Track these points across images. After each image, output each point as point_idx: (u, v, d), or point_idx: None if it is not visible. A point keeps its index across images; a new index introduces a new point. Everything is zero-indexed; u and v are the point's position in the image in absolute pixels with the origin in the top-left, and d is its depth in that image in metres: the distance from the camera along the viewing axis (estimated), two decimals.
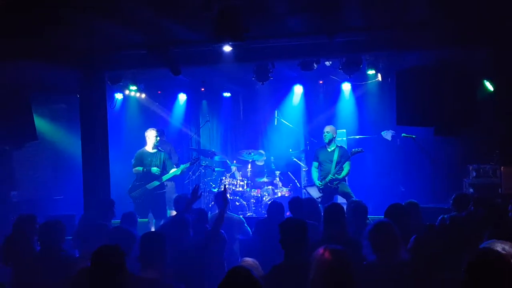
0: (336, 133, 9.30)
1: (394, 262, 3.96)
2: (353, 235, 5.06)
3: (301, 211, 6.19)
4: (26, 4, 5.26)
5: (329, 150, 9.22)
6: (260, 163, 11.26)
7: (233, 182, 10.46)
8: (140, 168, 9.16)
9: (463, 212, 5.75)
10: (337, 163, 9.04)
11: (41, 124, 9.24)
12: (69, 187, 9.40)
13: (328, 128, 9.29)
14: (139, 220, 6.95)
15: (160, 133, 9.61)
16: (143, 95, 11.50)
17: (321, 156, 9.30)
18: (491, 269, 2.83)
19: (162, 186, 9.27)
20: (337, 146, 9.28)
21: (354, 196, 8.70)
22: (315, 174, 9.34)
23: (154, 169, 9.10)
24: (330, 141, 9.19)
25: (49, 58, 7.16)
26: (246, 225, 7.09)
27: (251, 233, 6.88)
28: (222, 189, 5.76)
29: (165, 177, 9.21)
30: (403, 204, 5.83)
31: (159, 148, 9.38)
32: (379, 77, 10.20)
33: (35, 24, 5.90)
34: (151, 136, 9.22)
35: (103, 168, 7.86)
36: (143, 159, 9.24)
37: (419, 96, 6.53)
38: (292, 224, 4.37)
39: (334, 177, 8.97)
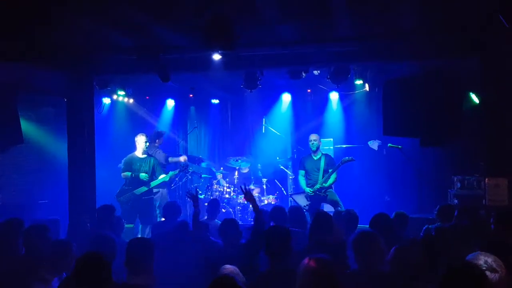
0: (320, 141, 9.41)
1: (376, 272, 3.98)
2: (343, 243, 5.09)
3: (283, 218, 6.22)
4: (13, 1, 5.20)
5: (315, 158, 9.28)
6: (244, 170, 11.29)
7: (219, 189, 10.46)
8: (129, 174, 9.16)
9: (448, 223, 5.81)
10: (325, 171, 9.09)
11: (27, 127, 9.16)
12: (54, 191, 9.31)
13: (314, 136, 9.37)
14: (126, 225, 6.92)
15: (155, 137, 9.62)
16: (131, 100, 11.47)
17: (307, 165, 9.34)
18: (463, 284, 2.81)
19: (150, 191, 9.25)
20: (322, 154, 9.34)
21: (342, 205, 8.76)
22: (303, 181, 9.38)
23: (143, 175, 9.08)
24: (317, 149, 9.27)
25: (36, 59, 7.08)
26: None
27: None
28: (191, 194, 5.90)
29: (153, 183, 9.19)
30: (391, 214, 5.88)
31: (149, 153, 9.37)
32: (367, 87, 10.28)
33: (23, 23, 5.86)
34: (140, 141, 9.21)
35: (89, 173, 7.81)
36: (132, 164, 9.22)
37: (406, 106, 6.60)
38: (276, 232, 4.39)
39: (322, 186, 9.01)
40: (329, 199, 9.11)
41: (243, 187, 5.73)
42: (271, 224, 6.06)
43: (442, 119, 6.42)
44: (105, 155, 10.58)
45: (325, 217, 5.20)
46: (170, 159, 10.24)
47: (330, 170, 9.08)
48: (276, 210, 6.44)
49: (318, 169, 9.18)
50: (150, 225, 8.64)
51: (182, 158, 10.37)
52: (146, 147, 9.21)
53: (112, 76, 9.20)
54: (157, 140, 10.45)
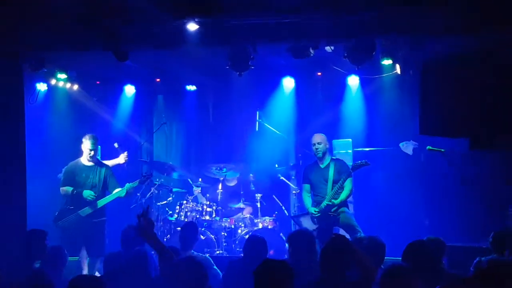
0: (328, 143, 9.37)
1: None
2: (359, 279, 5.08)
3: (259, 254, 6.26)
4: None
5: (322, 166, 9.27)
6: (231, 183, 11.25)
7: (197, 208, 10.42)
8: (69, 189, 9.08)
9: (506, 255, 5.79)
10: (335, 182, 9.08)
11: None
12: None
13: (318, 138, 9.31)
14: (70, 258, 6.88)
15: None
16: (76, 87, 11.39)
17: (313, 176, 9.33)
18: None
19: (101, 212, 9.18)
20: (331, 159, 9.34)
21: (360, 230, 8.73)
22: (307, 200, 9.38)
23: (87, 193, 9.01)
24: (324, 155, 9.24)
25: None
26: (215, 267, 7.11)
27: (221, 276, 6.88)
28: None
29: (103, 201, 9.12)
30: (426, 241, 5.86)
31: (100, 160, 9.33)
32: (398, 70, 10.27)
33: None
34: (85, 145, 9.16)
35: (17, 186, 7.74)
36: (75, 174, 9.16)
37: (452, 96, 6.56)
38: (272, 269, 4.38)
39: (331, 203, 8.99)
40: (342, 223, 9.09)
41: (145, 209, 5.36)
42: (273, 254, 6.05)
43: (500, 115, 6.40)
44: (40, 161, 10.48)
45: (339, 246, 5.16)
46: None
47: (341, 181, 9.06)
48: (252, 242, 6.51)
49: (326, 180, 9.17)
50: (101, 257, 8.55)
51: (123, 157, 10.23)
52: (91, 156, 9.15)
53: (49, 53, 9.10)
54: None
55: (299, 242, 6.37)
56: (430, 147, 9.38)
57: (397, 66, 10.17)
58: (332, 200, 9.01)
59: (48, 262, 6.40)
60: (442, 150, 9.30)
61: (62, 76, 10.36)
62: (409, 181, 10.80)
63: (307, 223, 9.24)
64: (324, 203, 9.02)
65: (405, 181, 10.82)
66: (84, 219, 9.05)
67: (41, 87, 10.90)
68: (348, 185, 9.11)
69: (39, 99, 10.87)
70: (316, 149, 9.26)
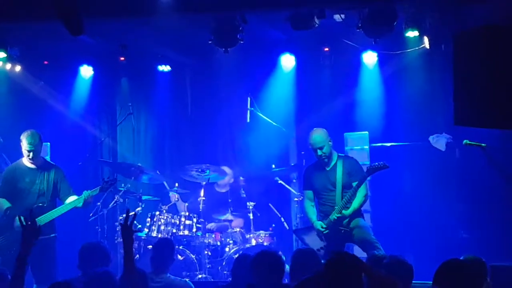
0: (330, 138, 9.30)
1: None
2: None
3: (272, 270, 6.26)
4: None
5: (327, 168, 9.24)
6: (222, 189, 11.25)
7: (173, 221, 10.42)
8: (5, 205, 8.99)
9: None
10: (345, 187, 9.07)
11: None
12: None
13: (318, 139, 9.18)
14: None
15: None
16: (18, 67, 11.40)
17: (316, 180, 9.32)
18: None
19: (50, 227, 9.13)
20: (338, 157, 9.31)
21: (380, 247, 8.73)
22: (310, 210, 9.38)
23: (17, 222, 8.94)
24: (329, 156, 9.19)
25: None
26: None
27: None
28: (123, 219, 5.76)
29: (54, 213, 9.09)
30: (465, 260, 5.87)
31: (47, 160, 9.31)
32: (426, 43, 10.29)
33: None
34: (23, 145, 9.14)
35: None
36: (17, 181, 9.13)
37: (494, 77, 6.57)
38: None
39: (341, 215, 8.98)
40: (357, 238, 9.09)
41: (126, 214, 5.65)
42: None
43: None
44: None
45: (351, 265, 5.16)
46: None
47: (354, 185, 9.05)
48: (242, 264, 6.58)
49: (334, 185, 9.16)
50: (50, 283, 8.55)
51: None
52: (30, 158, 9.13)
53: None
54: None
55: (300, 265, 6.37)
56: (468, 141, 9.38)
57: (425, 39, 10.18)
58: (343, 212, 8.98)
59: None
60: (483, 144, 9.29)
61: (1, 54, 10.30)
62: (441, 183, 10.83)
63: (313, 240, 9.24)
64: (333, 215, 8.99)
65: (436, 183, 10.84)
66: None
67: None
68: (361, 190, 9.07)
69: None
70: (320, 155, 9.16)
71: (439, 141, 10.47)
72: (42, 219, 8.92)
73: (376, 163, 9.09)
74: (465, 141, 9.40)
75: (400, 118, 11.35)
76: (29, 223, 5.83)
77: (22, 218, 5.90)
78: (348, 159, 9.41)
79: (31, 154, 9.09)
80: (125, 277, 5.63)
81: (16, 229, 8.90)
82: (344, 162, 9.24)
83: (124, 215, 5.76)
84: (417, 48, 10.52)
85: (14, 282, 5.55)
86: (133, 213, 5.89)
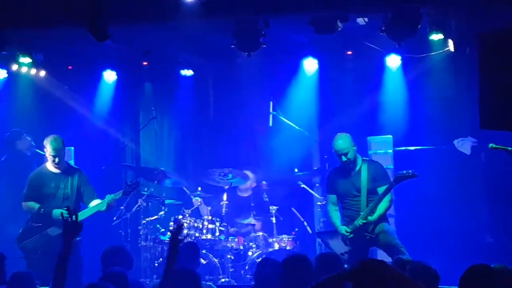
0: (354, 143, 9.26)
1: None
2: None
3: (301, 276, 6.23)
4: None
5: (352, 173, 9.20)
6: (244, 194, 11.27)
7: (196, 225, 10.44)
8: (36, 206, 9.15)
9: None
10: (370, 192, 9.04)
11: None
12: None
13: (340, 140, 9.15)
14: None
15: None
16: (43, 73, 11.45)
17: (340, 185, 9.29)
18: None
19: None
20: (363, 161, 9.28)
21: (405, 252, 8.70)
22: (334, 215, 9.36)
23: (57, 212, 9.03)
24: (354, 161, 9.16)
25: None
26: None
27: None
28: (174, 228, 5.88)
29: (79, 216, 9.10)
30: (493, 267, 5.84)
31: (71, 165, 9.36)
32: (451, 47, 10.25)
33: None
34: (47, 150, 9.20)
35: None
36: (42, 185, 9.23)
37: None
38: None
39: (367, 221, 8.95)
40: (382, 243, 9.06)
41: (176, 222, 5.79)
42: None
43: None
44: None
45: (376, 274, 5.15)
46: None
47: (379, 190, 9.02)
48: (265, 268, 6.54)
49: (359, 190, 9.13)
50: (74, 287, 8.60)
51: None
52: (56, 163, 9.21)
53: (9, 32, 9.15)
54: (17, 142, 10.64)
55: (323, 269, 6.36)
56: (493, 145, 9.34)
57: (450, 42, 10.14)
58: (368, 218, 8.96)
59: None
60: (509, 148, 9.25)
61: (26, 60, 10.39)
62: (466, 187, 10.80)
63: (337, 244, 9.22)
64: (359, 221, 8.96)
65: (461, 187, 10.81)
66: (55, 240, 9.04)
67: (0, 74, 10.93)
68: (387, 197, 9.03)
69: None
70: (345, 161, 9.12)
71: (464, 145, 10.43)
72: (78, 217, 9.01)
73: (405, 172, 9.00)
74: (490, 144, 9.35)
75: (425, 121, 11.31)
76: (73, 218, 5.87)
77: (64, 213, 5.94)
78: (373, 163, 9.37)
79: (56, 159, 9.17)
80: (164, 283, 5.67)
81: (50, 234, 9.02)
82: (369, 166, 9.20)
83: (174, 224, 5.83)
84: (441, 51, 10.49)
85: (56, 283, 5.52)
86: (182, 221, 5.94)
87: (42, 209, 9.10)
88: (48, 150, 9.16)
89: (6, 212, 10.59)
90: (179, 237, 5.71)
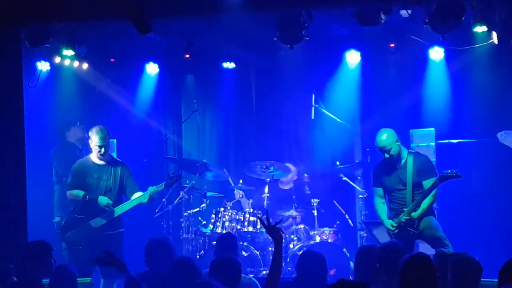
0: (397, 138, 9.18)
1: None
2: None
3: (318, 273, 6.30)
4: None
5: (397, 167, 9.14)
6: (286, 186, 11.28)
7: (237, 217, 10.49)
8: (81, 193, 9.23)
9: None
10: (415, 186, 9.00)
11: None
12: None
13: (383, 138, 9.03)
14: (79, 280, 6.97)
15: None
16: (85, 66, 11.53)
17: (386, 178, 9.24)
18: None
19: (117, 222, 9.36)
20: (409, 153, 9.21)
21: (449, 245, 8.67)
22: (380, 208, 9.33)
23: (104, 200, 9.13)
24: (398, 156, 9.09)
25: None
26: None
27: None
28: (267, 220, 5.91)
29: (121, 208, 9.29)
30: None
31: (114, 157, 9.44)
32: (495, 39, 10.15)
33: None
34: (93, 141, 9.27)
35: (16, 186, 7.93)
36: (85, 176, 9.33)
37: None
38: None
39: (410, 217, 8.91)
40: (426, 236, 9.02)
41: (263, 216, 5.87)
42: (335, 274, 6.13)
43: None
44: (41, 158, 10.68)
45: (422, 267, 5.16)
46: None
47: (424, 184, 8.97)
48: (307, 260, 6.65)
49: (404, 184, 9.08)
50: (119, 279, 8.70)
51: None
52: (101, 154, 9.28)
53: (53, 26, 9.24)
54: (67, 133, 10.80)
55: (369, 260, 6.39)
56: None
57: (494, 34, 10.04)
58: (412, 214, 8.91)
59: (54, 285, 6.54)
60: None
61: (69, 52, 10.39)
62: (509, 181, 10.72)
63: (382, 236, 9.21)
64: (402, 217, 8.93)
65: (505, 182, 10.74)
66: (97, 231, 9.20)
67: (43, 66, 11.03)
68: (431, 193, 8.98)
69: (40, 81, 10.97)
70: (388, 157, 9.07)
71: (507, 138, 10.35)
72: (117, 211, 9.17)
73: (449, 171, 8.88)
74: None
75: (468, 114, 11.24)
76: (272, 224, 5.81)
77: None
78: (419, 156, 9.24)
79: (102, 149, 9.23)
80: (271, 277, 5.78)
81: (92, 225, 9.10)
82: (414, 159, 9.10)
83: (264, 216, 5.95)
84: (485, 43, 10.39)
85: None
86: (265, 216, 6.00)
87: (88, 196, 9.18)
88: (94, 140, 9.23)
89: (53, 203, 10.75)
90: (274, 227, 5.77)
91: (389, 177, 9.21)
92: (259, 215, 5.95)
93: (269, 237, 5.94)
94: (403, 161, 9.13)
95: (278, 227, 5.72)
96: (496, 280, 5.45)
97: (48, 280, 6.54)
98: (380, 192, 9.35)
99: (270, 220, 5.79)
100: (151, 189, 9.41)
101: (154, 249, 7.07)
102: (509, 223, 10.56)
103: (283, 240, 5.81)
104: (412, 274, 5.14)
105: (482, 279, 6.02)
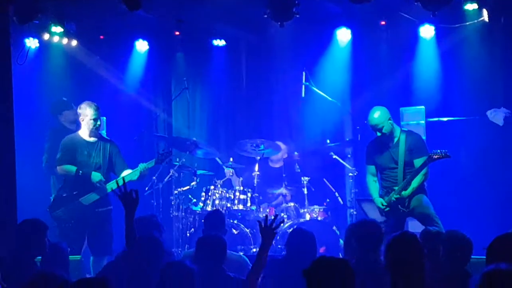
0: (390, 116, 9.17)
1: None
2: None
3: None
4: None
5: (390, 145, 9.15)
6: (276, 165, 11.30)
7: (228, 195, 10.51)
8: (73, 168, 9.22)
9: None
10: (407, 164, 9.01)
11: None
12: None
13: (375, 116, 9.04)
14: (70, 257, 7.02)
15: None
16: (74, 42, 11.49)
17: (378, 157, 9.25)
18: None
19: (106, 199, 9.35)
20: (401, 131, 9.21)
21: (439, 222, 8.69)
22: (372, 186, 9.36)
23: (96, 176, 9.12)
24: (391, 134, 9.09)
25: None
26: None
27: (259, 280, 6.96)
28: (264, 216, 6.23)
29: (112, 185, 9.24)
30: None
31: (103, 135, 9.42)
32: (485, 16, 10.15)
33: None
34: (87, 115, 9.24)
35: (5, 167, 7.91)
36: (75, 151, 9.30)
37: None
38: (330, 269, 4.38)
39: (400, 196, 8.93)
40: (417, 213, 9.04)
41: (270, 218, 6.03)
42: (324, 252, 6.15)
43: None
44: (30, 136, 10.65)
45: (410, 245, 5.16)
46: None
47: (415, 162, 8.97)
48: (297, 238, 6.81)
49: (397, 163, 9.09)
50: (107, 255, 8.74)
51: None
52: (96, 128, 9.26)
53: (42, 2, 9.20)
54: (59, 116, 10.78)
55: (362, 236, 6.40)
56: None
57: (484, 12, 10.05)
58: (402, 193, 8.94)
59: (48, 261, 6.54)
60: None
61: (58, 29, 10.42)
62: (499, 159, 10.76)
63: (374, 213, 9.23)
64: (392, 196, 8.96)
65: (493, 159, 10.78)
66: (87, 209, 9.19)
67: (31, 43, 10.98)
68: (422, 172, 8.98)
69: (28, 58, 10.91)
70: (381, 136, 9.07)
71: (496, 116, 10.36)
72: (108, 187, 9.16)
73: (438, 151, 8.87)
74: None
75: (458, 92, 11.23)
76: (129, 192, 6.22)
77: (118, 188, 6.10)
78: (412, 134, 9.23)
79: (98, 122, 9.23)
80: (255, 270, 5.93)
81: (82, 202, 9.10)
82: (407, 137, 9.10)
83: (267, 216, 6.17)
84: (476, 21, 10.40)
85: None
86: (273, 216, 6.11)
87: (81, 171, 9.17)
88: (89, 114, 9.20)
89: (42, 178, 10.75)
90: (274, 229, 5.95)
91: (381, 155, 9.22)
92: (267, 216, 5.95)
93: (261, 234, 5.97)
94: (395, 139, 9.14)
95: (274, 232, 5.91)
96: (485, 257, 5.46)
97: (40, 258, 6.56)
98: (372, 170, 9.36)
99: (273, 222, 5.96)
100: (141, 165, 9.40)
101: (141, 227, 7.04)
102: (498, 200, 10.62)
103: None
104: (397, 254, 5.11)
105: (472, 256, 6.05)
